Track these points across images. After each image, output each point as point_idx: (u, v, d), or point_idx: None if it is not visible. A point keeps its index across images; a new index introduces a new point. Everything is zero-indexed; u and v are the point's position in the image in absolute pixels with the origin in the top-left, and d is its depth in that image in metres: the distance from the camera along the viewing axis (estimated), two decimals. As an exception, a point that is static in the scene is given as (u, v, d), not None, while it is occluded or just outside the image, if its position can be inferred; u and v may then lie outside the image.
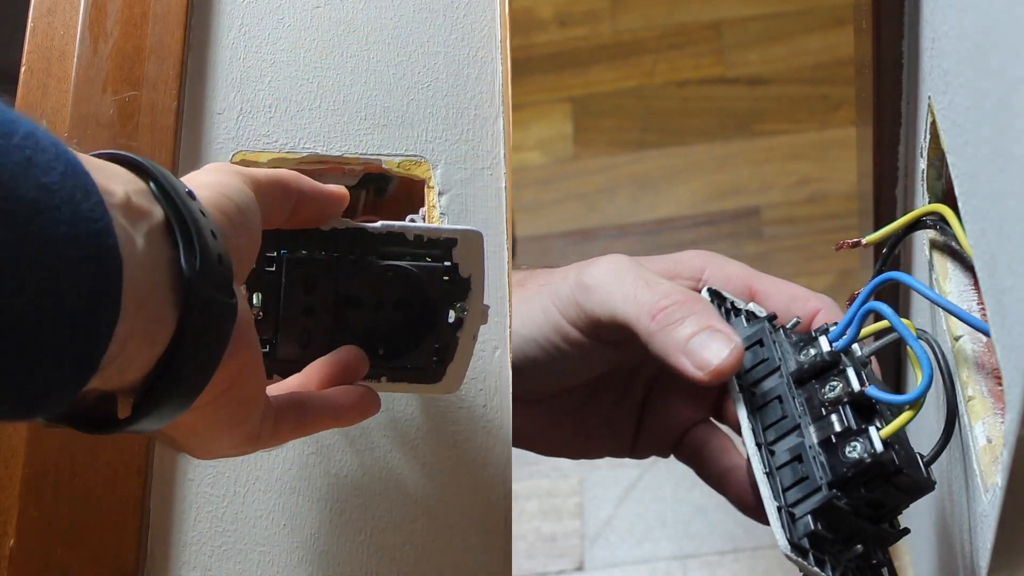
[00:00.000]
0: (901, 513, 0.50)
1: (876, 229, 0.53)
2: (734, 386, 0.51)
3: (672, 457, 0.63)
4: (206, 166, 0.45)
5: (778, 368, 0.50)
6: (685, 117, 1.77)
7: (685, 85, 1.79)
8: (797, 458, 0.48)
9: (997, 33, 0.36)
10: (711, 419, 0.59)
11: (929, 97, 0.50)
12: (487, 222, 0.61)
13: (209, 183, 0.43)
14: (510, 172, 0.61)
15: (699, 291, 0.57)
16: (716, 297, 0.55)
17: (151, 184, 0.39)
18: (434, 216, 0.60)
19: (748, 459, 0.50)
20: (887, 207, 0.61)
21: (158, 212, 0.38)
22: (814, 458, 0.48)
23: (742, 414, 0.50)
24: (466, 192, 0.61)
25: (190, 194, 0.40)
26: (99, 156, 0.39)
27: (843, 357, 0.49)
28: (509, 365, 0.59)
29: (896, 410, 0.48)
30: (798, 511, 0.48)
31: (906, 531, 0.51)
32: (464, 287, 0.53)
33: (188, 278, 0.38)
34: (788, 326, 0.54)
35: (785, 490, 0.48)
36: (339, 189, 0.51)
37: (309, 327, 0.51)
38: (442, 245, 0.52)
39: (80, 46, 0.58)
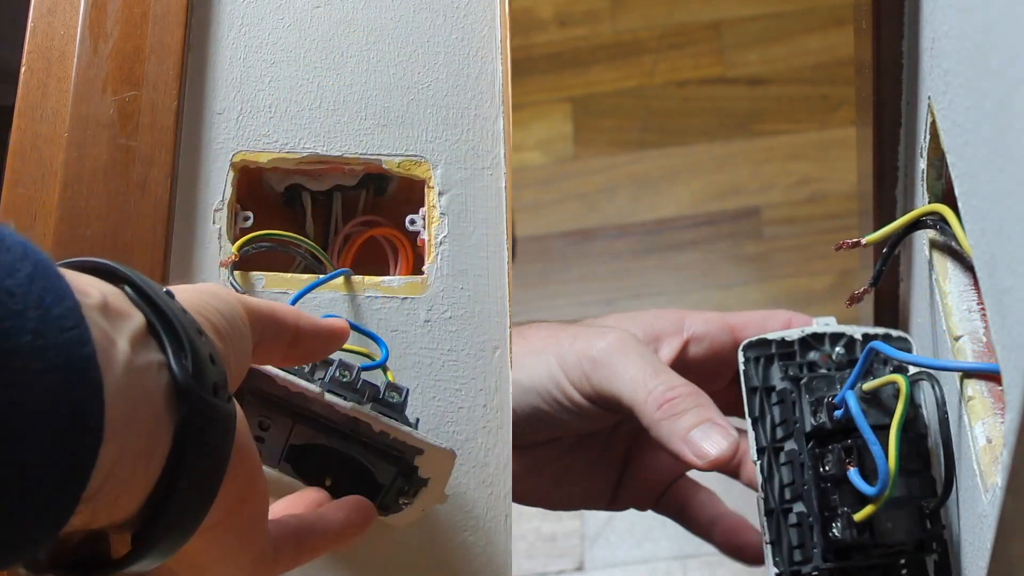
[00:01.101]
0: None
1: (876, 229, 0.53)
2: (753, 452, 0.55)
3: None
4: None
5: (795, 431, 0.54)
6: (685, 117, 1.77)
7: (685, 85, 1.79)
8: (800, 524, 0.53)
9: (997, 33, 0.36)
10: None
11: (929, 97, 0.50)
12: (487, 222, 0.61)
13: (189, 288, 0.40)
14: (510, 172, 0.61)
15: (687, 342, 0.62)
16: (760, 345, 0.58)
17: (126, 288, 0.35)
18: (434, 216, 0.60)
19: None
20: (887, 207, 0.61)
21: (138, 315, 0.35)
22: (812, 527, 0.52)
23: (759, 481, 0.55)
24: (466, 192, 0.61)
25: (168, 293, 0.37)
26: (65, 265, 0.35)
27: (850, 420, 0.52)
28: (509, 365, 0.59)
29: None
30: (804, 571, 0.53)
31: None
32: (419, 483, 0.51)
33: (182, 382, 0.34)
34: (819, 368, 0.57)
35: (792, 548, 0.53)
36: (340, 324, 0.47)
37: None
38: (407, 450, 0.50)
39: (80, 46, 0.58)
